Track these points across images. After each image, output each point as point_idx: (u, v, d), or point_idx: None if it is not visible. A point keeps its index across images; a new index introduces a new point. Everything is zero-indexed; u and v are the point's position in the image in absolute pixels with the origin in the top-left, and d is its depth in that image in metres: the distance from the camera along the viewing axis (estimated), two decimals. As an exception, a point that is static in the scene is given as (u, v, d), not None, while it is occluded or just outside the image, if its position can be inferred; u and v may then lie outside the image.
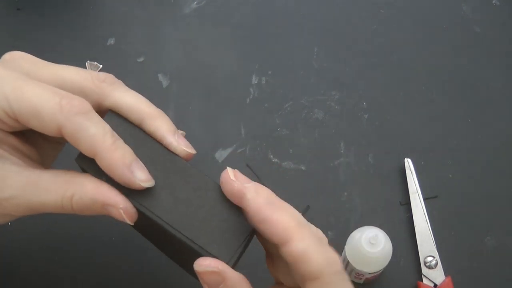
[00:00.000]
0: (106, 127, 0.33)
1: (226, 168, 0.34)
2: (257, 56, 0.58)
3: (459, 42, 0.59)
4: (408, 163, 0.52)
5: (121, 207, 0.33)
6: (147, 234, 0.40)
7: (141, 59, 0.58)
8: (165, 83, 0.57)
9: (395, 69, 0.58)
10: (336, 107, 0.56)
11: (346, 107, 0.56)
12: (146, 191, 0.34)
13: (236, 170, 0.34)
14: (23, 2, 0.60)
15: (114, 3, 0.61)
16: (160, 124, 0.35)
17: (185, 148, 0.35)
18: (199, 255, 0.33)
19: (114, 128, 0.34)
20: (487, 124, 0.56)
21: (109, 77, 0.36)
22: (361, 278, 0.47)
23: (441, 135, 0.55)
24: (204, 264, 0.32)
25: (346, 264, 0.47)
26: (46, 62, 0.36)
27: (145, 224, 0.35)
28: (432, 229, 0.50)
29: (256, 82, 0.57)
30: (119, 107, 0.35)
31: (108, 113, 0.35)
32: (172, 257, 0.41)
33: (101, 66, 0.39)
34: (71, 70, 0.35)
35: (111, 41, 0.59)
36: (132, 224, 0.34)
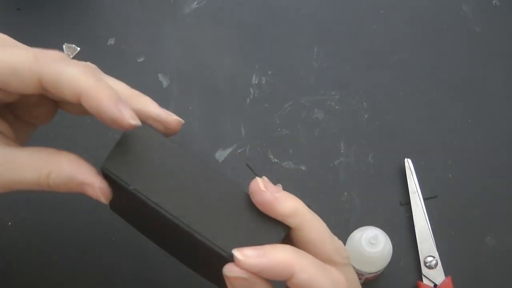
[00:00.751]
0: (87, 67, 0.32)
1: (255, 177, 0.33)
2: (257, 56, 0.58)
3: (459, 42, 0.59)
4: (408, 163, 0.52)
5: (97, 187, 0.33)
6: (155, 235, 0.40)
7: (141, 59, 0.58)
8: (165, 83, 0.57)
9: (395, 69, 0.58)
10: (336, 107, 0.56)
11: (346, 107, 0.56)
12: (175, 199, 0.33)
13: (265, 178, 0.34)
14: (23, 2, 0.60)
15: (114, 3, 0.61)
16: (144, 101, 0.36)
17: (129, 120, 0.33)
18: (227, 261, 0.32)
19: (135, 141, 0.34)
20: (487, 124, 0.56)
21: (57, 53, 0.34)
22: (361, 278, 0.47)
23: (441, 135, 0.55)
24: (234, 270, 0.32)
25: (346, 264, 0.47)
26: (16, 46, 0.35)
27: (159, 228, 0.35)
28: (432, 229, 0.50)
29: (256, 82, 0.57)
30: (54, 83, 0.32)
31: (142, 126, 0.34)
32: (183, 260, 0.40)
33: (78, 49, 0.38)
34: (22, 51, 0.33)
35: (111, 41, 0.59)
36: (107, 203, 0.34)
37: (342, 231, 0.50)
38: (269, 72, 0.58)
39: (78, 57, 0.56)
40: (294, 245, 0.34)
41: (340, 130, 0.55)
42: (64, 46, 0.38)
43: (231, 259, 0.32)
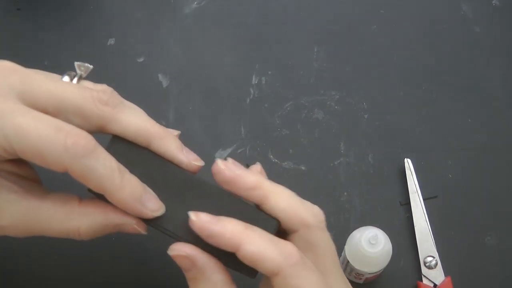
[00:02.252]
0: (113, 164, 0.32)
1: (216, 159, 0.35)
2: (257, 56, 0.58)
3: (459, 42, 0.59)
4: (408, 163, 0.52)
5: (135, 223, 0.34)
6: None
7: (141, 59, 0.58)
8: (165, 83, 0.57)
9: (395, 69, 0.58)
10: (336, 107, 0.56)
11: (346, 107, 0.56)
12: (174, 217, 0.34)
13: (228, 159, 0.35)
14: (23, 2, 0.60)
15: (114, 3, 0.61)
16: (169, 144, 0.36)
17: (195, 163, 0.36)
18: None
19: (121, 154, 0.34)
20: (487, 124, 0.56)
21: (112, 96, 0.35)
22: (361, 278, 0.47)
23: (441, 135, 0.55)
24: (175, 249, 0.33)
25: (346, 264, 0.47)
26: (40, 75, 0.34)
27: None
28: (432, 229, 0.50)
29: (256, 82, 0.57)
30: (125, 131, 0.35)
31: (112, 138, 0.35)
32: None
33: (91, 67, 0.38)
34: (69, 89, 0.34)
35: (111, 41, 0.59)
36: (146, 233, 0.35)
37: (342, 231, 0.50)
38: (269, 72, 0.58)
39: (79, 57, 0.56)
40: None
41: (340, 130, 0.55)
42: (75, 64, 0.37)
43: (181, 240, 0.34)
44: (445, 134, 0.55)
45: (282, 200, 0.35)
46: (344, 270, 0.48)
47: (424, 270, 0.49)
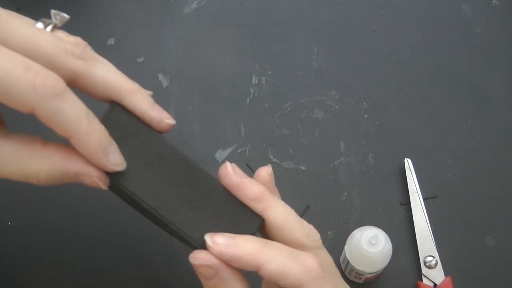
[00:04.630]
0: (83, 108, 0.31)
1: (225, 162, 0.35)
2: (257, 56, 0.58)
3: (459, 42, 0.59)
4: (408, 163, 0.53)
5: (95, 175, 0.32)
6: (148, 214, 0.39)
7: (141, 59, 0.58)
8: (165, 83, 0.57)
9: (395, 69, 0.58)
10: (336, 107, 0.56)
11: (346, 107, 0.56)
12: (153, 192, 0.34)
13: (234, 164, 0.35)
14: (23, 2, 0.60)
15: (114, 3, 0.61)
16: (140, 100, 0.35)
17: (167, 121, 0.35)
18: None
19: (117, 125, 0.34)
20: (487, 124, 0.56)
21: (84, 50, 0.34)
22: (361, 278, 0.47)
23: (441, 135, 0.55)
24: (198, 257, 0.32)
25: (346, 264, 0.47)
26: (15, 18, 0.33)
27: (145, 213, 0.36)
28: (432, 229, 0.50)
29: (256, 82, 0.57)
30: (96, 86, 0.33)
31: (113, 106, 0.34)
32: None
33: (67, 17, 0.36)
34: (43, 37, 0.32)
35: (111, 41, 0.59)
36: (106, 188, 0.33)
37: (342, 231, 0.50)
38: (269, 72, 0.58)
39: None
40: (267, 234, 0.35)
41: (340, 130, 0.55)
42: (51, 12, 0.36)
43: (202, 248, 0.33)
44: (445, 134, 0.55)
45: (279, 216, 0.35)
46: (344, 270, 0.48)
47: (424, 270, 0.49)
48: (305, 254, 0.33)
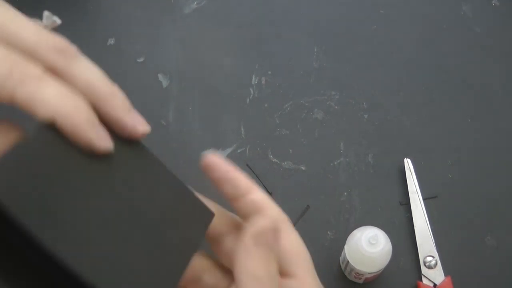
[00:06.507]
0: (63, 88, 0.29)
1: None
2: (257, 56, 0.58)
3: (459, 42, 0.59)
4: (408, 163, 0.53)
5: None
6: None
7: (141, 59, 0.58)
8: (165, 83, 0.57)
9: (395, 69, 0.58)
10: (336, 107, 0.56)
11: (346, 107, 0.56)
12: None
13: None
14: (23, 2, 0.60)
15: (114, 3, 0.61)
16: (116, 104, 0.32)
17: (140, 128, 0.32)
18: None
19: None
20: (487, 124, 0.56)
21: (67, 47, 0.32)
22: (361, 278, 0.47)
23: (441, 135, 0.55)
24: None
25: (346, 264, 0.47)
26: (5, 8, 0.31)
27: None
28: (431, 229, 0.50)
29: (256, 82, 0.57)
30: (75, 84, 0.31)
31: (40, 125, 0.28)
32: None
33: (59, 23, 0.35)
34: (28, 28, 0.31)
35: (111, 41, 0.59)
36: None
37: (342, 231, 0.50)
38: (269, 72, 0.58)
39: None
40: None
41: (340, 130, 0.55)
42: (44, 14, 0.36)
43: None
44: (445, 134, 0.55)
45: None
46: (344, 270, 0.48)
47: (424, 270, 0.49)
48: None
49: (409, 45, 0.59)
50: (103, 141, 0.30)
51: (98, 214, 0.27)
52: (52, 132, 0.28)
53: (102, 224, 0.27)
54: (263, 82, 0.57)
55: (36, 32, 0.31)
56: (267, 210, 0.34)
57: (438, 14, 0.61)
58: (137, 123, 0.32)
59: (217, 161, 0.34)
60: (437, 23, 0.60)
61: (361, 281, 0.48)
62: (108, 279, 0.25)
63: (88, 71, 0.32)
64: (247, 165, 0.53)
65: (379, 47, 0.59)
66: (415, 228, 0.50)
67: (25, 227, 0.23)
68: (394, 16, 0.61)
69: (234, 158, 0.54)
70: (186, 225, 0.31)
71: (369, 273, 0.46)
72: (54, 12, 0.54)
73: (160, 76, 0.57)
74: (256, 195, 0.34)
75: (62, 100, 0.29)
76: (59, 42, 0.32)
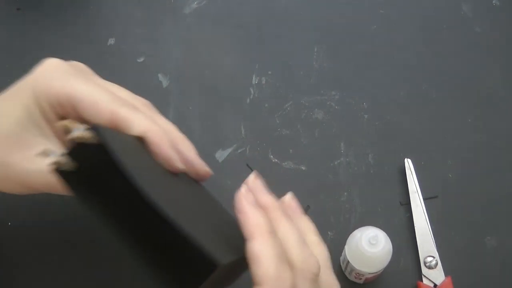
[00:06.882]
0: (155, 114, 0.39)
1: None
2: (257, 56, 0.58)
3: (459, 42, 0.59)
4: (408, 163, 0.52)
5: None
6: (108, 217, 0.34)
7: (141, 59, 0.58)
8: (165, 83, 0.57)
9: (395, 69, 0.58)
10: (336, 107, 0.56)
11: (346, 107, 0.56)
12: (168, 198, 0.33)
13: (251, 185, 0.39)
14: (23, 2, 0.60)
15: (114, 3, 0.61)
16: (189, 147, 0.39)
17: (208, 170, 0.41)
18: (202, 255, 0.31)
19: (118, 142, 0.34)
20: (487, 124, 0.56)
21: (149, 104, 0.41)
22: (361, 278, 0.47)
23: (441, 135, 0.55)
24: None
25: (346, 264, 0.47)
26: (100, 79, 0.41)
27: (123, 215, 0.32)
28: (432, 229, 0.50)
29: (256, 82, 0.57)
30: (158, 125, 0.38)
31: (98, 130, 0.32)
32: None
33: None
34: (124, 91, 0.41)
35: (111, 41, 0.59)
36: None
37: (342, 231, 0.50)
38: (269, 72, 0.58)
39: (79, 57, 0.56)
40: None
41: (340, 130, 0.55)
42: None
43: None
44: (445, 134, 0.55)
45: None
46: (344, 270, 0.48)
47: (424, 270, 0.49)
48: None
49: (409, 45, 0.59)
50: (179, 161, 0.37)
51: (181, 192, 0.36)
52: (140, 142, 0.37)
53: (185, 199, 0.35)
54: (263, 82, 0.57)
55: (130, 95, 0.41)
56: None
57: (438, 14, 0.61)
58: (205, 166, 0.40)
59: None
60: (437, 23, 0.60)
61: (361, 281, 0.48)
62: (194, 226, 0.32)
63: (166, 121, 0.40)
64: (247, 165, 0.53)
65: (379, 47, 0.59)
66: (415, 228, 0.50)
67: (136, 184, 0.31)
68: (394, 16, 0.61)
69: (234, 158, 0.54)
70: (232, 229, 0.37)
71: (369, 273, 0.46)
72: (54, 11, 0.54)
73: (160, 76, 0.57)
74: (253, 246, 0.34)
75: (154, 124, 0.37)
76: (137, 100, 0.41)
